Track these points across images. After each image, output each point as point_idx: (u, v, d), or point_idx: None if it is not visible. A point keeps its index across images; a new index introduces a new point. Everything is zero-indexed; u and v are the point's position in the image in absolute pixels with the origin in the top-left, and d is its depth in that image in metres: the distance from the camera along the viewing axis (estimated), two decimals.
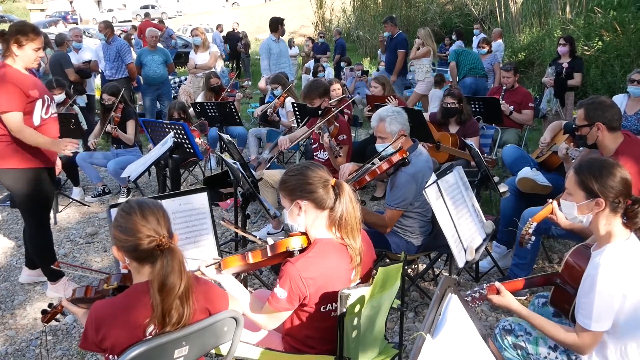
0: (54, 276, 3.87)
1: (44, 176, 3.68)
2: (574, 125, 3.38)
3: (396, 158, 3.25)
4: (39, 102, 3.52)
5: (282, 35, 8.34)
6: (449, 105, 5.21)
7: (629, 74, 4.99)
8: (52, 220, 5.26)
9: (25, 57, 3.50)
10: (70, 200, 5.86)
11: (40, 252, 3.82)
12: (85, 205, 5.87)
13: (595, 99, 3.29)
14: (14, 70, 3.47)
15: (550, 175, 4.08)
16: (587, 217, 2.21)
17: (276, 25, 8.25)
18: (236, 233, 4.17)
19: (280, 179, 2.26)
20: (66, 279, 3.92)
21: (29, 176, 3.58)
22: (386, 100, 5.92)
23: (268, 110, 6.60)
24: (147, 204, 1.89)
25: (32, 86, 3.50)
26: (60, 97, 5.93)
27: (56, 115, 3.76)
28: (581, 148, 3.60)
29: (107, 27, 8.21)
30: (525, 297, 3.61)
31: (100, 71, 8.56)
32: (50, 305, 2.35)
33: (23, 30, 3.45)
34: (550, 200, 2.94)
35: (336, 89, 6.47)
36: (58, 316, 2.37)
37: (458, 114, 5.22)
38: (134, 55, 8.73)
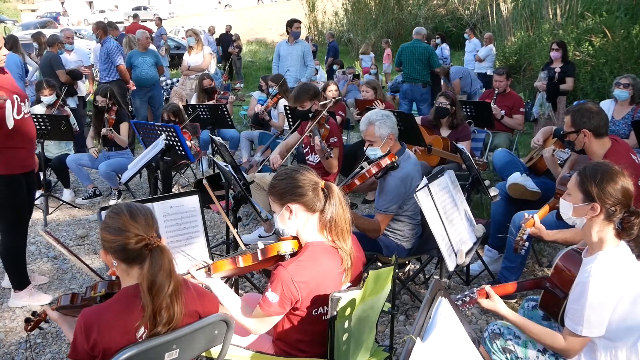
0: (21, 284, 3.73)
1: (18, 182, 3.50)
2: (561, 132, 3.40)
3: (385, 162, 3.26)
4: (8, 104, 3.33)
5: (295, 38, 7.89)
6: (441, 105, 5.22)
7: (617, 78, 5.02)
8: (42, 223, 5.30)
9: None
10: (61, 202, 5.82)
11: (9, 256, 3.65)
12: (75, 207, 5.83)
13: (582, 105, 3.31)
14: None
15: (539, 179, 4.11)
16: (580, 220, 2.21)
17: (286, 27, 8.08)
18: (227, 235, 4.17)
19: (270, 184, 2.26)
20: (31, 286, 3.79)
21: (3, 182, 3.43)
22: (374, 103, 5.95)
23: (259, 109, 6.63)
24: (136, 206, 1.90)
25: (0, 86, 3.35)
26: (51, 98, 5.88)
27: (29, 115, 3.59)
28: (567, 150, 3.62)
29: (98, 28, 8.15)
30: (515, 300, 3.63)
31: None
32: (34, 313, 2.30)
33: None
34: (530, 215, 2.95)
35: (332, 90, 6.55)
36: (42, 324, 2.31)
37: (450, 116, 5.23)
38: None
